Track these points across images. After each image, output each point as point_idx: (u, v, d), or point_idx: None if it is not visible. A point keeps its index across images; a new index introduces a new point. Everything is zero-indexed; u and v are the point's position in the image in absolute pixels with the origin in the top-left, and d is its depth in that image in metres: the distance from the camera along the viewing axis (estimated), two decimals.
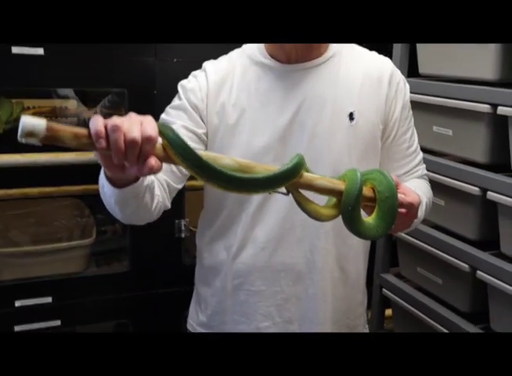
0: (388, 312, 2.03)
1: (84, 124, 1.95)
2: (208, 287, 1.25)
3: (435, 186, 1.40)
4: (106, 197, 0.96)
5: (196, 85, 1.14)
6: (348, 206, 0.89)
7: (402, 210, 0.95)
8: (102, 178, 0.91)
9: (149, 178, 0.98)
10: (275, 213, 1.14)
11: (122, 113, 1.77)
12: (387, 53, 1.77)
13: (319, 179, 0.90)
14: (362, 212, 0.94)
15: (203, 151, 0.90)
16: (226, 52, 1.21)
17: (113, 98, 1.90)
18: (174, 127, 1.06)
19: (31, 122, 0.69)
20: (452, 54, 1.62)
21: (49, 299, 1.68)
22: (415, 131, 1.24)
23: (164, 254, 1.78)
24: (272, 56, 1.14)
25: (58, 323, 1.69)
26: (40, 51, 1.52)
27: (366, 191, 0.93)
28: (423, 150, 1.31)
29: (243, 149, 1.12)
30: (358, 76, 1.15)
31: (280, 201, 1.12)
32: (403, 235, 1.77)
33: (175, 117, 1.13)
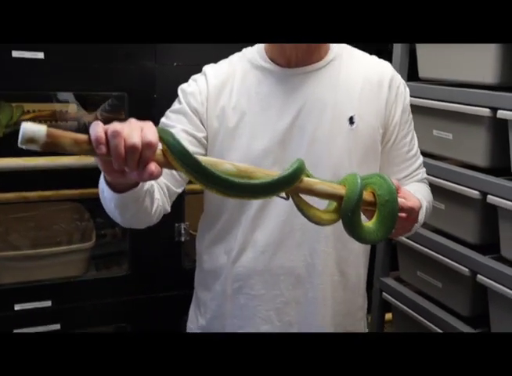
0: (388, 316, 2.03)
1: (85, 128, 1.95)
2: (208, 290, 1.25)
3: (435, 189, 1.40)
4: (106, 201, 0.96)
5: (196, 89, 1.15)
6: (348, 211, 0.89)
7: (403, 214, 0.95)
8: (101, 182, 0.91)
9: (149, 183, 0.98)
10: (275, 217, 1.14)
11: (122, 117, 1.77)
12: (388, 54, 1.79)
13: (319, 184, 0.90)
14: (363, 217, 0.94)
15: (203, 156, 0.90)
16: (226, 56, 1.21)
17: (114, 102, 1.91)
18: (174, 131, 1.06)
19: (32, 128, 0.69)
20: (451, 58, 1.62)
21: (49, 303, 1.68)
22: (415, 135, 1.24)
23: (163, 258, 1.77)
24: (273, 60, 1.15)
25: (57, 326, 1.69)
26: (40, 55, 1.52)
27: (366, 195, 0.93)
28: (424, 153, 1.31)
29: (243, 152, 1.12)
30: (359, 80, 1.15)
31: (280, 205, 1.12)
32: (403, 239, 1.77)
33: (175, 120, 1.13)
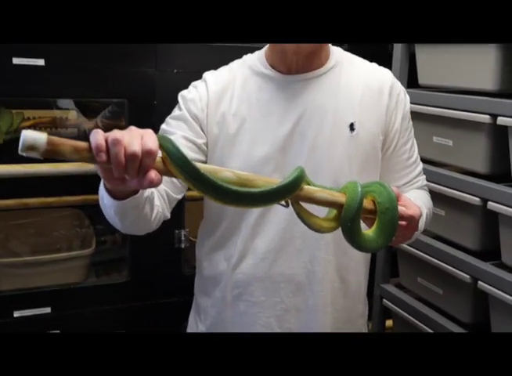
0: (389, 322, 2.02)
1: (85, 134, 1.95)
2: (208, 297, 1.24)
3: (436, 196, 1.40)
4: (106, 208, 0.96)
5: (196, 95, 1.15)
6: (348, 219, 0.89)
7: (403, 222, 0.95)
8: (101, 189, 0.91)
9: (149, 190, 0.98)
10: (276, 224, 1.14)
11: (122, 124, 1.78)
12: (387, 56, 1.79)
13: (319, 192, 0.89)
14: (363, 225, 0.94)
15: (203, 164, 0.90)
16: (227, 63, 1.21)
17: (114, 109, 1.91)
18: (174, 137, 1.06)
19: (32, 136, 0.69)
20: (451, 65, 1.62)
21: (48, 309, 1.68)
22: (415, 142, 1.24)
23: (163, 265, 1.77)
24: (273, 67, 1.15)
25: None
26: (40, 62, 1.52)
27: (367, 203, 0.93)
28: (424, 160, 1.31)
29: (243, 159, 1.12)
30: (359, 87, 1.15)
31: (280, 212, 1.12)
32: (403, 245, 1.77)
33: (175, 127, 1.13)
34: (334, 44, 1.20)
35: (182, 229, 1.76)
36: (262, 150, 1.12)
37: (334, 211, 0.93)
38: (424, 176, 1.27)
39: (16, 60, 1.51)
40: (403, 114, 1.18)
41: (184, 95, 1.17)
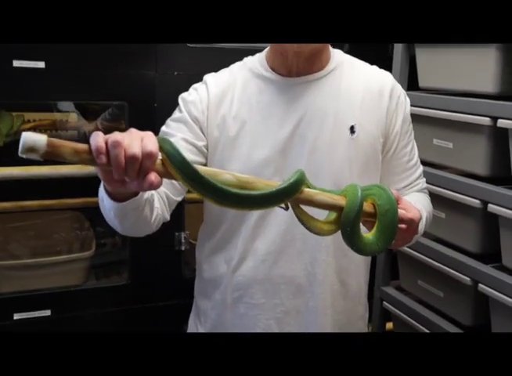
0: (389, 325, 2.02)
1: (85, 137, 1.96)
2: (208, 299, 1.24)
3: (436, 198, 1.40)
4: (106, 210, 0.95)
5: (196, 98, 1.15)
6: (348, 222, 0.89)
7: (403, 226, 0.94)
8: (101, 191, 0.91)
9: (149, 192, 0.98)
10: (276, 226, 1.14)
11: (122, 126, 1.78)
12: (388, 60, 1.79)
13: (319, 195, 0.89)
14: (363, 228, 0.93)
15: (203, 166, 0.89)
16: (227, 65, 1.21)
17: (114, 111, 1.91)
18: (174, 139, 1.06)
19: (32, 138, 0.69)
20: (451, 67, 1.63)
21: (48, 312, 1.68)
22: (415, 144, 1.24)
23: (163, 267, 1.77)
24: (274, 69, 1.15)
25: None
26: (41, 64, 1.52)
27: (367, 207, 0.92)
28: (424, 162, 1.31)
29: (244, 161, 1.12)
30: (359, 89, 1.15)
31: (281, 214, 1.12)
32: (404, 248, 1.76)
33: (175, 129, 1.13)
34: (335, 46, 1.20)
35: (182, 232, 1.76)
36: (262, 153, 1.12)
37: (334, 214, 0.93)
38: (424, 179, 1.27)
39: (16, 63, 1.51)
40: (403, 117, 1.18)
41: (184, 98, 1.17)
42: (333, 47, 1.19)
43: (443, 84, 1.68)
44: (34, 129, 1.93)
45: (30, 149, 0.70)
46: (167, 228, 1.13)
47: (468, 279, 1.55)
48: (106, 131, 0.76)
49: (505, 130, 1.44)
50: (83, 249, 1.91)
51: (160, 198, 1.07)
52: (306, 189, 0.88)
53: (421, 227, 1.09)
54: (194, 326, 1.29)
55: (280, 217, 1.13)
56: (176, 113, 1.17)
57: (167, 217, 1.10)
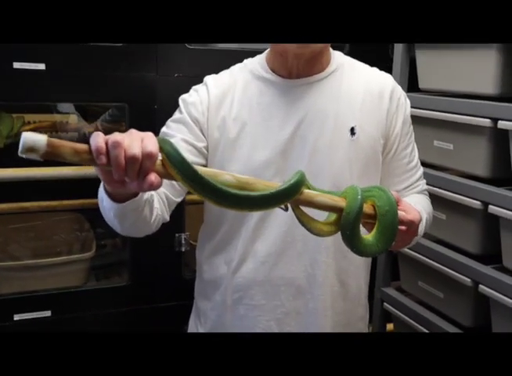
0: (389, 326, 2.02)
1: (85, 138, 1.96)
2: (208, 300, 1.24)
3: (436, 200, 1.40)
4: (106, 210, 0.96)
5: (197, 99, 1.15)
6: (348, 224, 0.88)
7: (403, 227, 0.94)
8: (101, 192, 0.91)
9: (149, 192, 0.98)
10: (277, 227, 1.14)
11: (123, 128, 1.78)
12: (388, 61, 1.79)
13: (319, 196, 0.89)
14: (363, 229, 0.93)
15: (203, 167, 0.89)
16: (227, 67, 1.21)
17: (114, 112, 1.91)
18: (174, 140, 1.06)
19: (32, 138, 0.69)
20: (452, 68, 1.63)
21: (48, 313, 1.68)
22: (415, 146, 1.24)
23: (163, 268, 1.77)
24: (274, 71, 1.15)
25: None
26: (41, 66, 1.52)
27: (367, 208, 0.92)
28: (424, 164, 1.31)
29: (244, 163, 1.12)
30: (360, 91, 1.15)
31: (281, 216, 1.11)
32: (404, 249, 1.76)
33: (176, 130, 1.13)
34: (335, 47, 1.20)
35: (183, 233, 1.76)
36: (263, 154, 1.12)
37: (334, 215, 0.93)
38: (425, 181, 1.27)
39: (16, 65, 1.51)
40: (404, 118, 1.18)
41: (185, 99, 1.17)
42: (334, 48, 1.19)
43: (443, 85, 1.68)
44: (34, 131, 1.92)
45: (30, 149, 0.70)
46: (167, 229, 1.13)
47: (469, 280, 1.55)
48: (107, 132, 0.76)
49: (505, 131, 1.44)
50: (83, 250, 1.91)
51: (160, 199, 1.07)
52: (306, 191, 0.88)
53: (421, 229, 1.09)
54: (194, 327, 1.29)
55: (280, 218, 1.13)
56: (176, 115, 1.17)
57: (167, 218, 1.10)
